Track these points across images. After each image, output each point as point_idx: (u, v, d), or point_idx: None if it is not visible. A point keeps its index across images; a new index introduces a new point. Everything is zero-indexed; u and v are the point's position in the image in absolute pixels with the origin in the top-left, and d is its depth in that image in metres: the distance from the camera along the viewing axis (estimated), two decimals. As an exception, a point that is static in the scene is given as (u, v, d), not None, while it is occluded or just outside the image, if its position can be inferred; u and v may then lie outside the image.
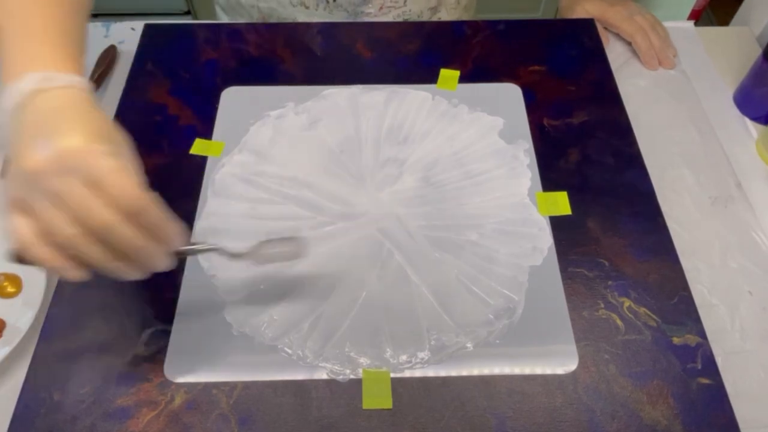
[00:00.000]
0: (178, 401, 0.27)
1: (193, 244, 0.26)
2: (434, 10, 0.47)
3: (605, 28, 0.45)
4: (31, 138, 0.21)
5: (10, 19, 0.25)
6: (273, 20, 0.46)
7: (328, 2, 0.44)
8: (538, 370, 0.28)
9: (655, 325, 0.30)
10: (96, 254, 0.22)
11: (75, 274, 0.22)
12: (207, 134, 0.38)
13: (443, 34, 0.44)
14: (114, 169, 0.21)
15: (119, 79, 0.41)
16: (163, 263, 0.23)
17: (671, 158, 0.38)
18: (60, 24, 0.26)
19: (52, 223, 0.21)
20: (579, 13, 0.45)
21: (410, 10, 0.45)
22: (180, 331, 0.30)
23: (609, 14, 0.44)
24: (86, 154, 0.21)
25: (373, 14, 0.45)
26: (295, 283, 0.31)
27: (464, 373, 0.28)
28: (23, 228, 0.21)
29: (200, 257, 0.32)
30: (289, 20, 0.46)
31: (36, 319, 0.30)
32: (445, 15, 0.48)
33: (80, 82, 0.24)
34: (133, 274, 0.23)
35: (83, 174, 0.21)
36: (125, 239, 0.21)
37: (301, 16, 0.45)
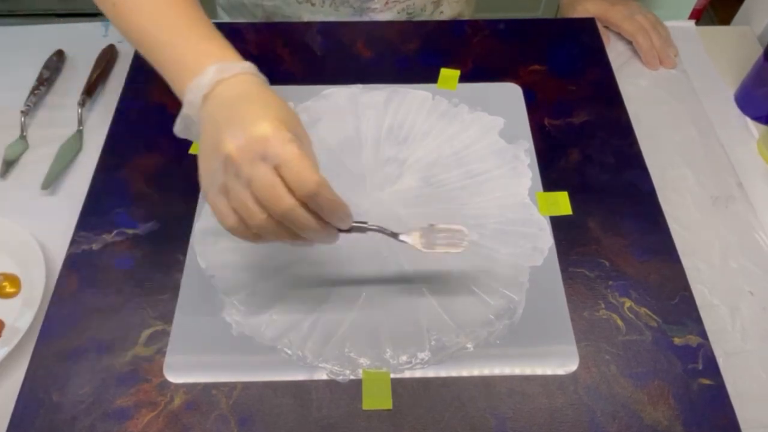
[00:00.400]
0: (177, 402, 0.27)
1: (361, 223, 0.27)
2: (437, 3, 0.46)
3: (606, 27, 0.45)
4: (225, 125, 0.23)
5: (157, 25, 0.27)
6: (277, 19, 0.46)
7: None
8: (539, 370, 0.28)
9: (655, 325, 0.30)
10: (277, 235, 0.24)
11: (255, 242, 0.25)
12: (206, 134, 0.38)
13: (443, 33, 0.43)
14: (297, 156, 0.22)
15: (118, 79, 0.41)
16: (331, 240, 0.25)
17: (672, 158, 0.38)
18: (201, 18, 0.28)
19: (245, 207, 0.23)
20: (580, 12, 0.45)
21: (414, 4, 0.45)
22: (179, 331, 0.29)
23: (610, 13, 0.44)
24: (274, 141, 0.22)
25: (378, 9, 0.45)
26: (294, 283, 0.31)
27: (464, 373, 0.28)
28: (227, 211, 0.24)
29: (198, 257, 0.32)
30: (294, 18, 0.45)
31: (35, 319, 0.30)
32: (447, 9, 0.47)
33: (250, 67, 0.26)
34: (305, 245, 0.26)
35: (271, 160, 0.22)
36: (302, 221, 0.23)
37: (306, 14, 0.45)
